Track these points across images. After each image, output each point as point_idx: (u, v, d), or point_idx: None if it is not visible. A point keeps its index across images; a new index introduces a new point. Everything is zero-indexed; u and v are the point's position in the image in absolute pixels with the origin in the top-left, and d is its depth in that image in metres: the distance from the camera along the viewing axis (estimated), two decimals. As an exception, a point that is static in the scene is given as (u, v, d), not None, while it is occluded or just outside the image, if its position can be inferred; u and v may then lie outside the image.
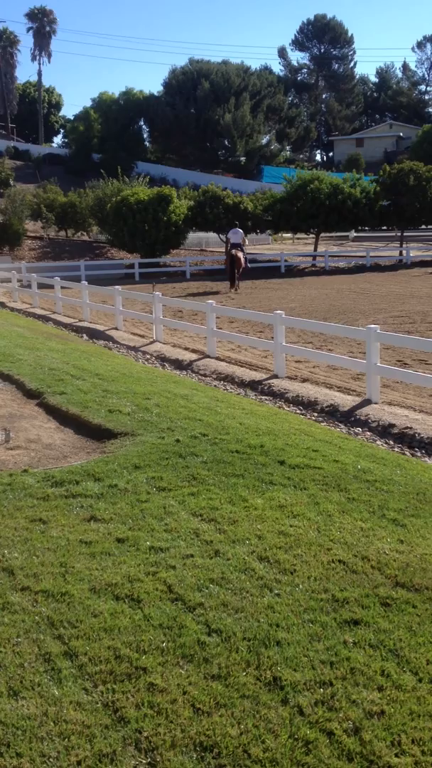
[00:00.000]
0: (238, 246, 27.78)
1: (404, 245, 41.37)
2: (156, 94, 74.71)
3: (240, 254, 27.32)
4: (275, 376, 11.41)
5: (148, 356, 13.98)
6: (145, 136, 76.73)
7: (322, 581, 4.27)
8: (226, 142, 71.99)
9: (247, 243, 30.15)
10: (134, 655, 3.55)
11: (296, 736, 3.02)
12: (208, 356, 13.38)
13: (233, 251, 27.38)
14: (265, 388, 10.78)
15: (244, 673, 3.42)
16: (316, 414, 9.33)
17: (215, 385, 11.10)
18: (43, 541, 4.84)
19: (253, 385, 10.99)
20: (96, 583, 4.25)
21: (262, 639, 3.68)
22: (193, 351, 14.20)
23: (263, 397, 10.30)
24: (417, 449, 7.82)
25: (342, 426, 8.75)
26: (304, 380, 11.24)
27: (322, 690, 3.31)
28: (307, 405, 9.72)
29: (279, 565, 4.47)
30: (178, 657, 3.55)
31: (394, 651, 3.61)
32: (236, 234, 28.61)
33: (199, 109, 69.76)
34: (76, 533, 4.95)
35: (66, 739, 3.01)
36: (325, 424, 8.80)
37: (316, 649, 3.61)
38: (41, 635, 3.74)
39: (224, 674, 3.42)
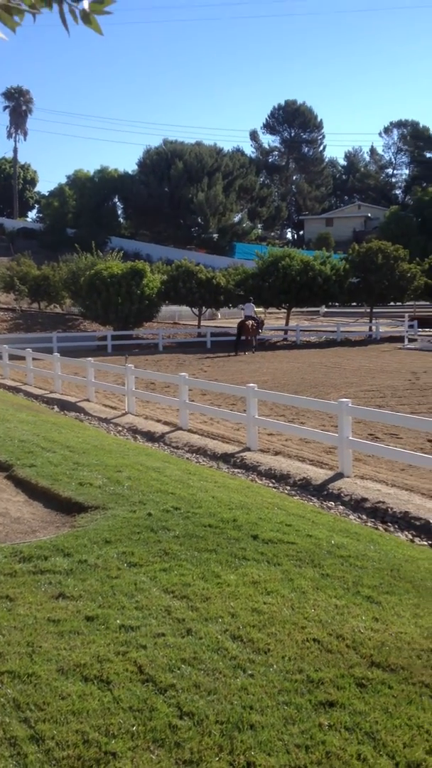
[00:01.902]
0: (251, 318, 31.91)
1: (373, 321, 42.19)
2: (130, 172, 76.72)
3: (249, 322, 31.45)
4: (248, 449, 11.41)
5: (120, 428, 13.92)
6: (119, 212, 78.28)
7: (296, 661, 4.18)
8: (199, 220, 73.63)
9: (258, 314, 34.95)
10: (103, 740, 3.42)
11: None
12: (181, 428, 13.37)
13: (244, 321, 31.48)
14: (238, 460, 10.76)
15: (217, 758, 3.31)
16: (288, 487, 9.31)
17: (188, 458, 11.06)
18: (9, 619, 4.70)
19: (225, 458, 10.96)
20: (64, 663, 4.12)
21: (235, 722, 3.57)
22: (166, 423, 14.18)
23: (236, 470, 10.27)
24: (390, 524, 7.81)
25: (315, 500, 8.73)
26: (277, 453, 11.24)
27: (297, 776, 3.20)
28: (280, 478, 9.70)
29: (253, 644, 4.37)
30: (148, 741, 3.42)
31: (370, 734, 3.52)
32: (248, 308, 32.63)
33: (172, 188, 71.58)
34: (44, 611, 4.81)
35: None
36: (297, 497, 8.77)
37: (291, 733, 3.51)
38: (6, 718, 3.60)
39: (196, 759, 3.30)
